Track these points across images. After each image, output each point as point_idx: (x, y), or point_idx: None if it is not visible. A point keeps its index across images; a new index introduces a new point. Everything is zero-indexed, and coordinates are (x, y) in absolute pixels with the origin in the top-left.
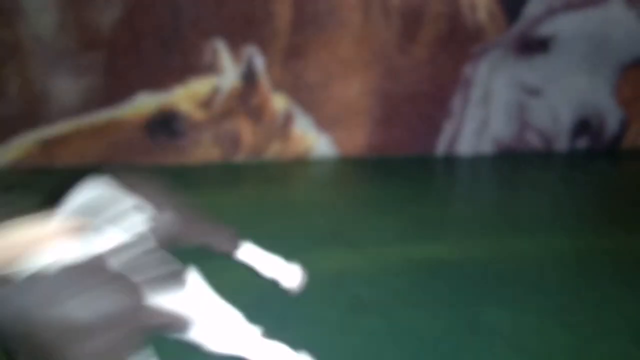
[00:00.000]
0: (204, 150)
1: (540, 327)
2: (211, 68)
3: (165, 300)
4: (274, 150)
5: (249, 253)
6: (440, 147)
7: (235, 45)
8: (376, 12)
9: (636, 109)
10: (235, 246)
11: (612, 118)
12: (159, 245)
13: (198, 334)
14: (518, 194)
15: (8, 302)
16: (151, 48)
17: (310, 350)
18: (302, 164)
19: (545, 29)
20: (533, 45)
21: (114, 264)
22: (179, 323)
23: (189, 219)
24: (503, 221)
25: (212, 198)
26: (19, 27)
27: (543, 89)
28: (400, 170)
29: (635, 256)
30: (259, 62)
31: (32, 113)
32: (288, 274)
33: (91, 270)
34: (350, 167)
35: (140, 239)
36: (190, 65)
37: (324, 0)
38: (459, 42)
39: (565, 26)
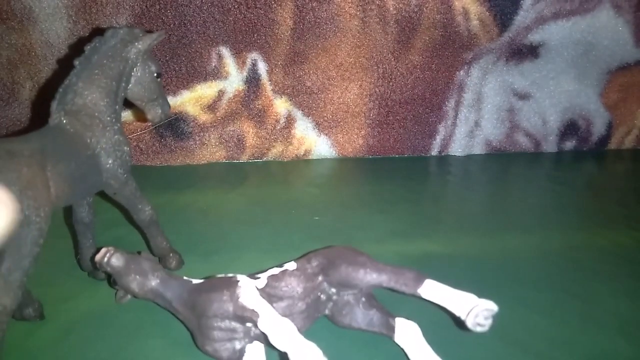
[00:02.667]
0: (210, 151)
1: (530, 321)
2: (216, 73)
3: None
4: (276, 151)
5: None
6: (434, 148)
7: (239, 51)
8: (373, 19)
9: (622, 111)
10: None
11: (599, 120)
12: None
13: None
14: (509, 192)
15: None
16: (159, 54)
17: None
18: (302, 164)
19: (535, 36)
20: (523, 52)
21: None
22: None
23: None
24: (494, 219)
25: (217, 196)
26: (30, 33)
27: (532, 93)
28: (396, 170)
29: (622, 252)
30: (262, 68)
31: (44, 116)
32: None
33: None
34: (348, 167)
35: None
36: (196, 70)
37: (323, 8)
38: (453, 49)
39: (555, 33)
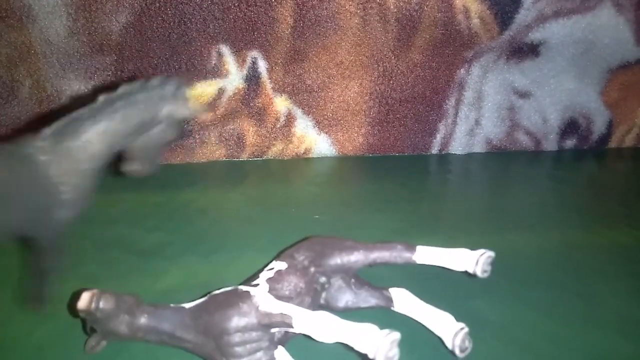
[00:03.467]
0: (210, 149)
1: (530, 320)
2: (216, 71)
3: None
4: (276, 150)
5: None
6: (435, 147)
7: (239, 49)
8: (374, 17)
9: (622, 110)
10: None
11: (600, 119)
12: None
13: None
14: (509, 191)
15: None
16: (159, 52)
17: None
18: (302, 162)
19: (536, 35)
20: (524, 50)
21: None
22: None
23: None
24: (494, 217)
25: (217, 195)
26: (30, 31)
27: (533, 91)
28: (397, 169)
29: (622, 251)
30: (262, 66)
31: (44, 114)
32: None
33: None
34: (348, 165)
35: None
36: (196, 68)
37: (323, 6)
38: (453, 47)
39: (555, 32)
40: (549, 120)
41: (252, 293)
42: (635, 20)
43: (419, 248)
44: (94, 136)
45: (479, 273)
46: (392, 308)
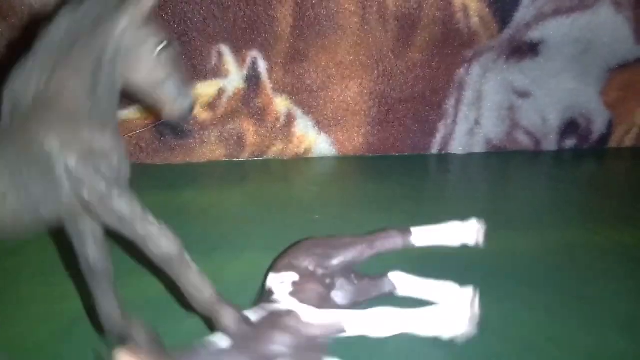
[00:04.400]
0: (210, 149)
1: (529, 319)
2: (216, 71)
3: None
4: (276, 150)
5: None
6: (435, 147)
7: (239, 49)
8: (373, 17)
9: (622, 110)
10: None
11: (599, 119)
12: None
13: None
14: (509, 191)
15: None
16: None
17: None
18: (302, 162)
19: (535, 34)
20: (523, 50)
21: None
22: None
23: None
24: (494, 217)
25: (217, 195)
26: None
27: (532, 91)
28: (396, 169)
29: (621, 251)
30: (262, 66)
31: None
32: (468, 233)
33: None
34: (348, 165)
35: None
36: (196, 69)
37: (323, 5)
38: (453, 46)
39: (555, 31)
40: (548, 120)
41: (289, 309)
42: (635, 18)
43: (414, 231)
44: (70, 81)
45: (480, 242)
46: (395, 293)
